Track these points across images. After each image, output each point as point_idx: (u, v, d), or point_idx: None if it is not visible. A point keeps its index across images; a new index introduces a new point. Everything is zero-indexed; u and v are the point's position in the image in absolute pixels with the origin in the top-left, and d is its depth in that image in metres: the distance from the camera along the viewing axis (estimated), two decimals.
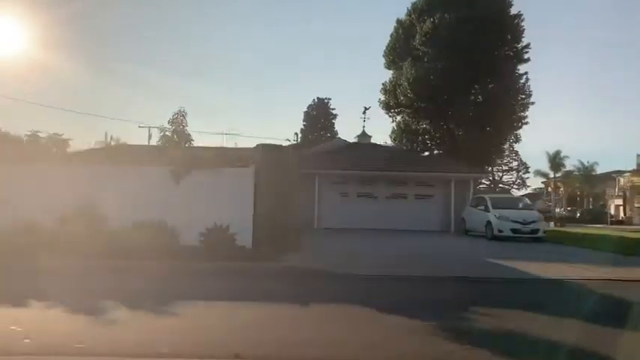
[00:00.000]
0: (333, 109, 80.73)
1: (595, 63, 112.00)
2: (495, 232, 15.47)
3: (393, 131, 45.19)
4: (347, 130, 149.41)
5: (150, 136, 39.06)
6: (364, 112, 22.22)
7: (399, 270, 9.69)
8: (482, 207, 16.27)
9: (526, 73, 44.47)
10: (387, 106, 45.05)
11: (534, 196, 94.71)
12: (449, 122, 41.96)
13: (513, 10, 44.00)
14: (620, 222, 51.67)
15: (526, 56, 44.11)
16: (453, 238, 15.90)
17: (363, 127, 22.38)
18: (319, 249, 12.68)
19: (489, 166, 45.85)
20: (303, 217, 19.09)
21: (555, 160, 75.70)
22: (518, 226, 15.30)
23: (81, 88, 70.06)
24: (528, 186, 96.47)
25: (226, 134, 75.94)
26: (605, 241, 15.56)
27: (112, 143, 37.92)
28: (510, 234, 15.22)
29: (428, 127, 44.46)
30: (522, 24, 43.61)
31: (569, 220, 59.93)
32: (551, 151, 77.38)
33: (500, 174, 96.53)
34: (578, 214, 64.24)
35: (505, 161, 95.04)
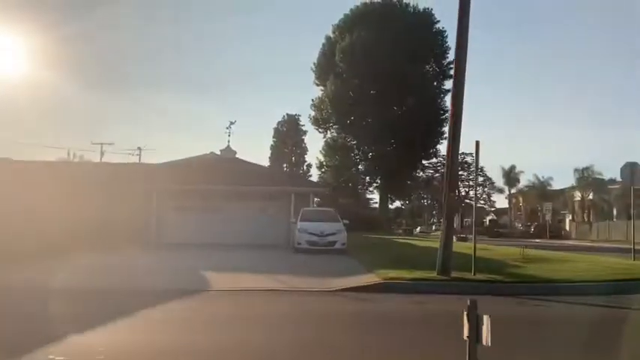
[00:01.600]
0: (302, 125, 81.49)
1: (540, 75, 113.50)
2: (295, 244, 15.50)
3: (323, 148, 45.46)
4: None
5: (102, 154, 39.11)
6: (229, 127, 22.44)
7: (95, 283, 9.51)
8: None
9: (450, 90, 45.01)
10: (316, 122, 45.43)
11: (502, 212, 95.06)
12: (366, 138, 42.22)
13: (441, 27, 45.05)
14: (557, 236, 51.58)
15: (452, 72, 44.67)
16: (269, 252, 15.87)
17: (228, 141, 22.52)
18: None
19: (408, 180, 45.98)
20: (143, 232, 19.16)
21: (510, 175, 76.05)
22: (314, 238, 15.28)
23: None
24: (493, 201, 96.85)
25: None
26: (394, 251, 15.51)
27: (75, 160, 38.58)
28: (306, 246, 15.20)
29: (352, 143, 44.76)
30: (447, 40, 44.36)
31: (512, 234, 59.96)
32: (507, 166, 78.04)
33: (467, 190, 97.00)
34: (532, 230, 64.12)
35: (471, 177, 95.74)
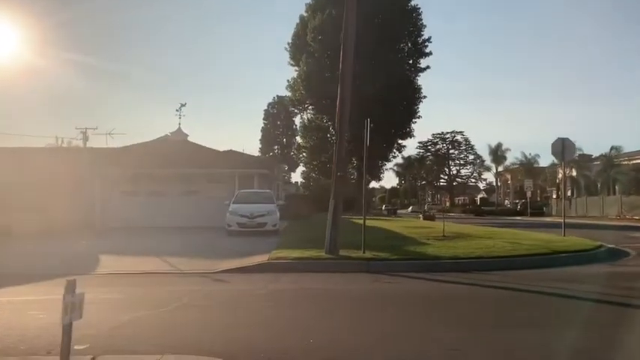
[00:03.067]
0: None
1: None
2: (226, 227, 15.58)
3: (300, 129, 45.35)
4: None
5: (87, 138, 38.99)
6: (179, 109, 22.36)
7: None
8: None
9: (428, 67, 44.70)
10: (293, 103, 45.23)
11: (493, 190, 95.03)
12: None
13: (415, 5, 44.40)
14: (539, 213, 51.64)
15: (427, 50, 44.30)
16: (201, 235, 15.91)
17: (179, 124, 22.50)
18: None
19: (383, 160, 45.86)
20: (88, 217, 19.32)
21: (497, 153, 75.82)
22: (244, 220, 15.32)
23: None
24: (484, 179, 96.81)
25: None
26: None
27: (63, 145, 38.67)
28: (237, 228, 15.27)
29: (328, 123, 44.44)
30: (421, 18, 43.80)
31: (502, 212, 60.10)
32: (494, 143, 77.80)
33: (458, 168, 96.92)
34: (519, 207, 64.12)
35: (462, 155, 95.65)
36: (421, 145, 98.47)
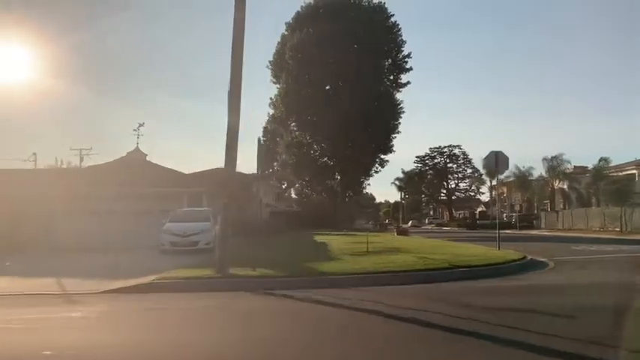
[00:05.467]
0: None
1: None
2: (160, 245, 15.74)
3: (283, 146, 45.67)
4: None
5: (81, 159, 39.97)
6: (137, 129, 22.75)
7: None
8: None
9: (408, 82, 45.02)
10: (275, 121, 45.66)
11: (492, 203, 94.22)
12: (322, 135, 42.28)
13: (395, 21, 44.94)
14: (529, 226, 51.21)
15: (407, 65, 44.68)
16: (133, 254, 15.98)
17: (137, 144, 22.91)
18: None
19: (365, 175, 45.92)
20: (38, 238, 19.64)
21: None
22: (177, 239, 15.48)
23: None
24: (482, 193, 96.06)
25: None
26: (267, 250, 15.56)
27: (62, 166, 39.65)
28: (170, 247, 15.41)
29: (310, 140, 44.89)
30: (401, 34, 44.32)
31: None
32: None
33: (456, 182, 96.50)
34: (513, 220, 63.59)
35: (460, 169, 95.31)
36: (419, 159, 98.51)
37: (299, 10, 42.81)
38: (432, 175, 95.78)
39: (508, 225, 60.24)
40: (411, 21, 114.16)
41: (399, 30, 43.97)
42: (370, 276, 10.20)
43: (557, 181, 57.03)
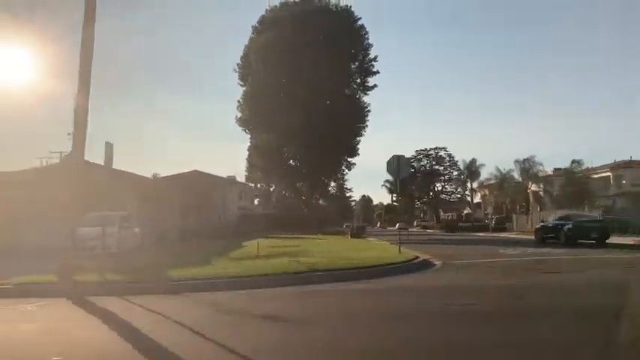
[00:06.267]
0: None
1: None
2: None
3: (249, 148, 45.72)
4: None
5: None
6: (70, 133, 22.67)
7: None
8: None
9: (375, 85, 45.04)
10: (242, 123, 45.70)
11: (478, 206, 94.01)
12: (288, 138, 42.28)
13: (362, 24, 44.96)
14: (502, 229, 51.03)
15: (375, 69, 44.72)
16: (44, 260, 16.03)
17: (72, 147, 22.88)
18: None
19: (328, 178, 45.90)
20: None
21: (471, 169, 75.30)
22: (79, 244, 15.57)
23: None
24: (467, 195, 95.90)
25: None
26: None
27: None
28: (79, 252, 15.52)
29: (276, 143, 44.89)
30: (367, 37, 44.38)
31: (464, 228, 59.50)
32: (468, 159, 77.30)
33: (442, 184, 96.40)
34: (493, 223, 63.45)
35: (447, 171, 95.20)
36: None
37: (264, 13, 42.74)
38: (420, 178, 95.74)
39: (485, 227, 60.20)
40: (392, 24, 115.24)
41: (366, 33, 44.14)
42: (221, 281, 10.14)
43: (531, 184, 56.90)
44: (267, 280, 10.27)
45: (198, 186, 43.28)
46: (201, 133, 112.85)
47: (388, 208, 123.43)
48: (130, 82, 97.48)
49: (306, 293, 9.24)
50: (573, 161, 49.82)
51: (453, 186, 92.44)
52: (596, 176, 56.20)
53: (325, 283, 10.26)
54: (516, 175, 61.51)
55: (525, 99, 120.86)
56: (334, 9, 44.07)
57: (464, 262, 14.85)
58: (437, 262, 14.61)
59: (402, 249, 16.68)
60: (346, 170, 45.48)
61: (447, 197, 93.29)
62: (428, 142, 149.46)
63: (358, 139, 43.91)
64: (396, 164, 15.99)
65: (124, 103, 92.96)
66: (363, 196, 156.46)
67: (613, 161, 58.54)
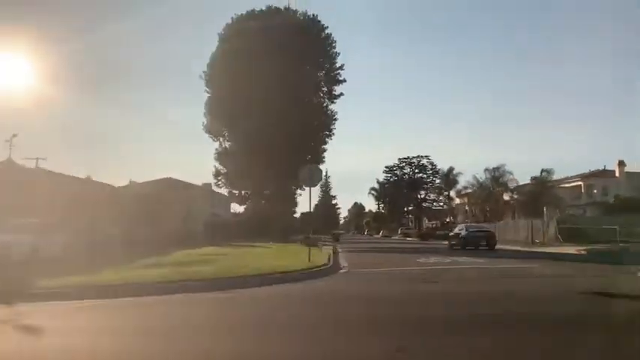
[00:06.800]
0: None
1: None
2: None
3: (215, 156, 45.64)
4: None
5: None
6: (10, 139, 22.73)
7: None
8: None
9: (341, 94, 45.20)
10: (209, 130, 45.69)
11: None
12: (254, 145, 42.13)
13: (329, 33, 45.19)
14: None
15: (341, 77, 44.90)
16: None
17: (9, 154, 22.90)
18: None
19: (296, 186, 45.90)
20: None
21: (449, 177, 75.59)
22: None
23: None
24: (450, 202, 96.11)
25: None
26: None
27: None
28: None
29: (242, 150, 44.80)
30: (334, 46, 44.58)
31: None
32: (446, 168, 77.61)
33: (425, 192, 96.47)
34: None
35: (429, 179, 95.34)
36: (388, 169, 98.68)
37: (228, 22, 42.90)
38: (405, 186, 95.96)
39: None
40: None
41: (333, 42, 44.30)
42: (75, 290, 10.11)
43: (503, 193, 57.18)
44: (132, 288, 10.24)
45: (167, 193, 43.42)
46: (188, 139, 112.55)
47: (376, 215, 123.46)
48: (107, 88, 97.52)
49: (150, 303, 9.21)
50: (543, 170, 50.18)
51: (435, 194, 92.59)
52: (567, 185, 56.55)
53: (205, 292, 10.22)
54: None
55: (510, 109, 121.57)
56: (301, 18, 44.26)
57: (370, 271, 15.07)
58: (342, 271, 14.74)
59: (330, 256, 17.06)
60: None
61: (430, 205, 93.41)
62: (413, 149, 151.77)
63: (324, 147, 44.02)
64: (309, 174, 16.06)
65: (106, 109, 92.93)
66: (355, 203, 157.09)
67: (588, 171, 59.01)
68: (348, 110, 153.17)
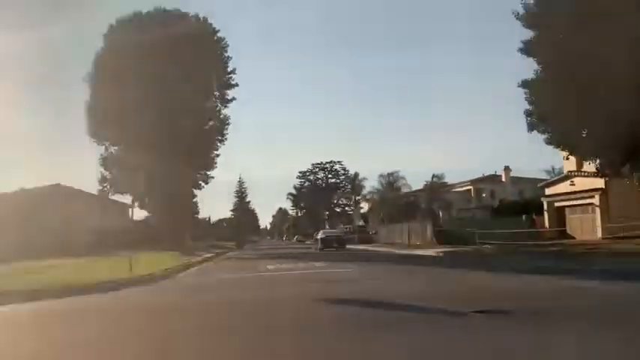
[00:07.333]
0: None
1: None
2: None
3: (100, 161, 43.37)
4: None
5: None
6: None
7: None
8: None
9: (233, 98, 44.72)
10: (91, 134, 43.37)
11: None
12: (141, 151, 40.35)
13: (222, 36, 44.60)
14: (368, 240, 52.47)
15: (234, 82, 44.39)
16: None
17: None
18: None
19: (195, 188, 45.02)
20: None
21: (354, 182, 77.40)
22: None
23: None
24: (361, 207, 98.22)
25: None
26: None
27: None
28: None
29: (128, 155, 42.90)
30: (227, 49, 44.01)
31: None
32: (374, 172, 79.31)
33: (338, 197, 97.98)
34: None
35: (342, 184, 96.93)
36: (301, 174, 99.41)
37: (112, 23, 41.11)
38: (318, 191, 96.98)
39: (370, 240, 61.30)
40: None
41: (226, 46, 43.74)
42: None
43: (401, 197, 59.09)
44: None
45: (54, 200, 41.31)
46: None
47: (295, 221, 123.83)
48: None
49: None
50: (434, 175, 52.17)
51: (347, 199, 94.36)
52: (459, 189, 59.37)
53: None
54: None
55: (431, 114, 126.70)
56: (193, 20, 43.33)
57: (192, 280, 14.93)
58: (164, 281, 14.50)
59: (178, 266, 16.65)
60: (203, 184, 44.48)
61: (340, 210, 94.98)
62: (328, 155, 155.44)
63: (216, 152, 43.36)
64: None
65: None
66: (280, 209, 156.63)
67: (482, 175, 62.30)
68: (263, 116, 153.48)
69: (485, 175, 60.96)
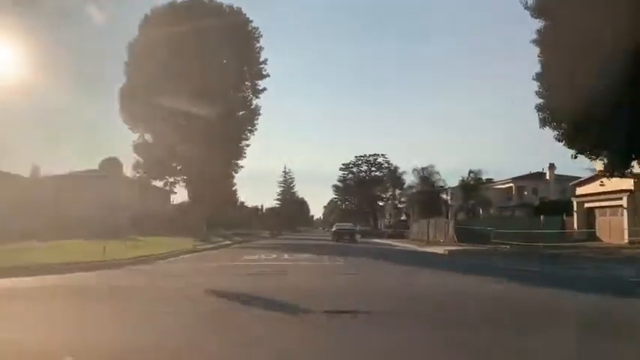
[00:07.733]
0: None
1: None
2: None
3: (135, 148, 44.91)
4: None
5: None
6: None
7: None
8: None
9: (265, 89, 45.01)
10: (125, 120, 44.79)
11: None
12: (177, 139, 41.38)
13: (255, 26, 44.94)
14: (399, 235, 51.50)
15: (265, 72, 44.65)
16: None
17: None
18: None
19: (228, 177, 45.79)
20: None
21: (395, 175, 76.01)
22: None
23: None
24: (397, 202, 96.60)
25: None
26: None
27: None
28: None
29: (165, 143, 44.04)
30: (259, 40, 44.28)
31: None
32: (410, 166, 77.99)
33: (379, 191, 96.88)
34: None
35: (385, 177, 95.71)
36: (345, 166, 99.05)
37: (147, 13, 42.28)
38: (362, 183, 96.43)
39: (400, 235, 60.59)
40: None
41: (259, 36, 44.03)
42: None
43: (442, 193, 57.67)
44: None
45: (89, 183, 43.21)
46: None
47: (344, 212, 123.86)
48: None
49: None
50: (470, 171, 50.41)
51: (389, 193, 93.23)
52: (500, 187, 57.19)
53: None
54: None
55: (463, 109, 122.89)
56: (227, 10, 43.85)
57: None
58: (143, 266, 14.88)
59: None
60: (233, 173, 45.19)
61: (384, 203, 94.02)
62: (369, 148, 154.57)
63: (246, 142, 43.94)
64: None
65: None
66: (332, 200, 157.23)
67: (528, 172, 59.71)
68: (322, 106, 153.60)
69: (532, 172, 58.42)
